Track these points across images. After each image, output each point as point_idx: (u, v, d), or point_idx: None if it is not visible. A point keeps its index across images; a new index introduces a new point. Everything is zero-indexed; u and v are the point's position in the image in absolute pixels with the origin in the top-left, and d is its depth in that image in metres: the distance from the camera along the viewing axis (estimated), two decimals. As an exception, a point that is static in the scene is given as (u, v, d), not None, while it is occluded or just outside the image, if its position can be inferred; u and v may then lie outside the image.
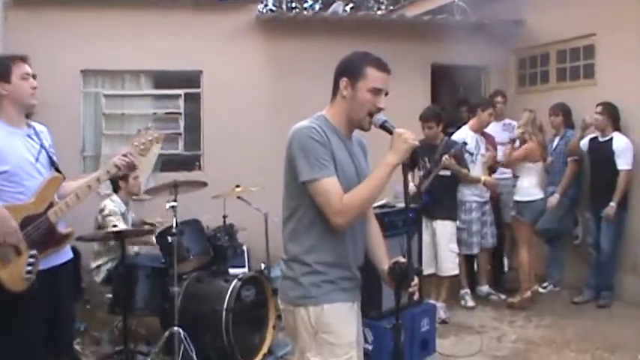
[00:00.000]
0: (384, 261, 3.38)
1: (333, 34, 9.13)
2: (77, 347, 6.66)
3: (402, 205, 6.78)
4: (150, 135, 4.33)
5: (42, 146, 4.17)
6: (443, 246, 7.34)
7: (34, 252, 3.93)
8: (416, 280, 3.24)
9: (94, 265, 6.69)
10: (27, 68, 4.09)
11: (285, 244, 3.28)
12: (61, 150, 8.10)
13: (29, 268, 3.90)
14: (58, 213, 4.08)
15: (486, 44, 9.43)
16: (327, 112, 3.29)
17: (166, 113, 9.68)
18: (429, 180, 7.27)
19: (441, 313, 7.34)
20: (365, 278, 3.40)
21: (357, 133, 3.39)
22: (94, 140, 9.37)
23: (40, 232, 3.99)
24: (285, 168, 3.22)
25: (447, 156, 7.10)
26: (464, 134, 8.02)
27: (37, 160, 4.09)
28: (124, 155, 4.22)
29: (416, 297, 3.27)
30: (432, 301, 6.80)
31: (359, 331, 3.41)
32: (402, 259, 3.25)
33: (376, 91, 3.18)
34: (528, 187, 7.86)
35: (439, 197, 7.32)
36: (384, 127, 3.18)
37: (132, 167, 4.36)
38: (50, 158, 4.20)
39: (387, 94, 3.24)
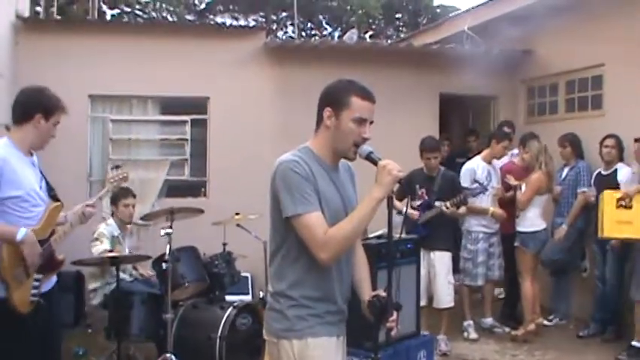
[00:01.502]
0: (366, 292, 3.31)
1: (341, 62, 9.14)
2: (75, 372, 6.68)
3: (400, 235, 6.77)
4: (122, 174, 4.87)
5: (42, 173, 4.30)
6: (441, 277, 7.22)
7: (39, 276, 4.10)
8: (395, 315, 3.16)
9: (90, 287, 6.69)
10: (59, 120, 4.29)
11: (272, 279, 3.24)
12: (68, 174, 8.28)
13: (34, 291, 4.08)
14: (57, 240, 4.25)
15: (495, 74, 9.42)
16: (312, 143, 3.23)
17: (173, 139, 9.71)
18: (427, 217, 7.18)
19: (442, 345, 7.27)
20: (360, 308, 3.33)
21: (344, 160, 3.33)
22: (100, 165, 9.41)
23: (45, 257, 4.13)
24: (270, 202, 3.17)
25: (448, 204, 7.05)
26: (475, 164, 7.97)
27: (40, 187, 4.22)
28: (88, 206, 4.47)
29: (394, 332, 3.17)
30: (425, 333, 6.65)
31: (343, 364, 3.37)
32: (382, 293, 3.18)
33: (361, 121, 3.11)
34: (532, 217, 7.73)
35: (436, 228, 7.20)
36: (369, 158, 3.11)
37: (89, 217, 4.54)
38: (48, 185, 4.32)
39: (371, 122, 3.16)
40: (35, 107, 4.14)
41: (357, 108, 3.11)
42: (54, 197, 4.33)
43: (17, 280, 3.97)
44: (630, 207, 7.05)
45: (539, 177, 7.65)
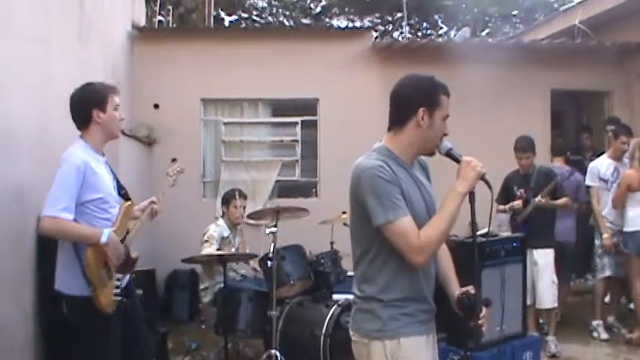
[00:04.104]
0: (453, 288, 3.29)
1: (449, 60, 9.07)
2: (185, 364, 6.95)
3: (505, 233, 6.68)
4: (178, 167, 4.86)
5: (114, 174, 4.39)
6: (545, 277, 7.04)
7: (119, 275, 4.19)
8: (484, 311, 3.13)
9: (202, 286, 6.94)
10: (117, 100, 4.29)
11: (359, 283, 3.22)
12: (183, 175, 8.60)
13: (117, 290, 4.16)
14: (133, 238, 4.33)
15: (609, 68, 9.14)
16: (390, 142, 3.19)
17: (284, 140, 9.92)
18: (524, 214, 7.06)
19: (552, 347, 7.11)
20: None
21: None
22: (213, 166, 9.74)
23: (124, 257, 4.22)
24: (351, 207, 3.16)
25: (539, 197, 6.93)
26: (599, 162, 7.83)
27: (114, 187, 4.30)
28: (154, 203, 4.56)
29: (484, 329, 3.15)
30: (533, 334, 6.52)
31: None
32: (472, 290, 3.16)
33: (446, 118, 3.14)
34: (632, 216, 7.37)
35: (537, 225, 7.02)
36: (449, 154, 3.13)
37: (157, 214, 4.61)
38: (119, 184, 4.38)
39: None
40: (87, 105, 4.15)
41: (445, 106, 3.12)
42: (124, 196, 4.37)
43: (102, 282, 4.02)
44: None
45: (630, 174, 7.33)
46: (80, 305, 4.02)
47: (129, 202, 4.35)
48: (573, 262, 8.28)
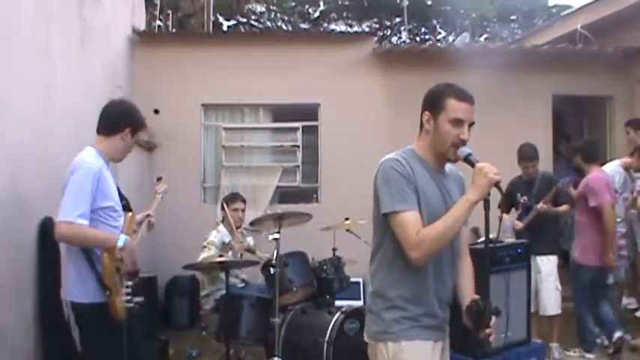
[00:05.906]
0: (466, 299, 3.27)
1: (449, 65, 9.03)
2: (187, 371, 6.89)
3: (510, 240, 6.62)
4: (164, 186, 4.85)
5: (116, 185, 4.35)
6: (549, 283, 6.96)
7: (129, 283, 4.16)
8: (494, 320, 3.10)
9: (203, 293, 6.87)
10: (142, 137, 4.33)
11: (372, 279, 3.28)
12: (183, 180, 8.57)
13: (128, 297, 4.12)
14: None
15: (610, 73, 9.12)
16: (415, 145, 3.27)
17: (284, 146, 9.88)
18: (527, 220, 6.98)
19: (555, 354, 7.06)
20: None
21: (454, 166, 3.35)
22: (214, 172, 9.72)
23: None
24: (373, 201, 3.22)
25: (541, 204, 6.84)
26: (610, 168, 7.64)
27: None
28: (149, 215, 4.59)
29: (492, 338, 3.11)
30: (537, 341, 6.46)
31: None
32: (480, 299, 3.13)
33: (457, 122, 3.11)
34: None
35: (540, 232, 6.93)
36: (467, 160, 3.11)
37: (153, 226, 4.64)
38: (121, 195, 4.35)
39: (472, 124, 3.16)
40: (125, 121, 4.22)
41: (452, 110, 3.12)
42: (125, 207, 4.37)
43: (117, 287, 4.02)
44: None
45: None
46: (93, 313, 4.03)
47: (131, 214, 4.35)
48: None
